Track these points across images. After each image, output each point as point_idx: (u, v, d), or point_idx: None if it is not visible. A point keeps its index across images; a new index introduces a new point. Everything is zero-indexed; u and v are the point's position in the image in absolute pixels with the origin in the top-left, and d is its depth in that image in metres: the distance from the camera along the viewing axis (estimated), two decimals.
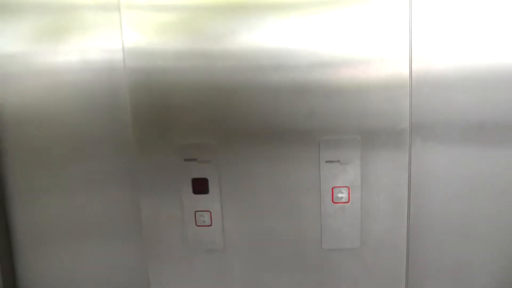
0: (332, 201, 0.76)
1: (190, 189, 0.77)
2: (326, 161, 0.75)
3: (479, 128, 0.79)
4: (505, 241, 0.83)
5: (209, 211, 0.78)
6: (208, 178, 0.77)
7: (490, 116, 0.78)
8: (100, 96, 0.79)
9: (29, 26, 0.77)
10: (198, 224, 0.79)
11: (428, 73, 0.77)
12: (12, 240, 0.88)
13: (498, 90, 0.77)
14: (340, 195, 0.75)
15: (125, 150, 0.80)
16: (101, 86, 0.79)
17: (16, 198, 0.86)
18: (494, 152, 0.80)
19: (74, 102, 0.80)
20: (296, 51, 0.71)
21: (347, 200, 0.76)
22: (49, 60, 0.78)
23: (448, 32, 0.75)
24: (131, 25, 0.72)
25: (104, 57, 0.78)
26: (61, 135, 0.82)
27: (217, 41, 0.72)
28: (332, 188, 0.75)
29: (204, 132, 0.75)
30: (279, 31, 0.71)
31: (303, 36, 0.71)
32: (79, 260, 0.87)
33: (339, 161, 0.74)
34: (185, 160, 0.75)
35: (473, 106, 0.78)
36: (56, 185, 0.84)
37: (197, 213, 0.78)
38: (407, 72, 0.72)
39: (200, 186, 0.77)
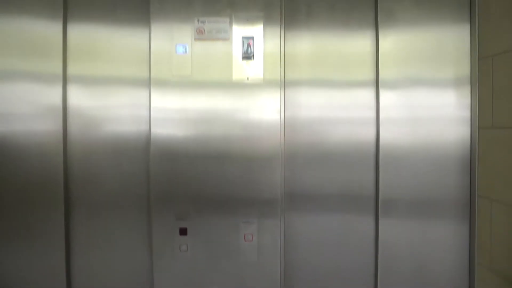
0: (244, 240, 1.62)
1: (177, 232, 1.63)
2: (243, 222, 1.62)
3: (327, 199, 1.67)
4: (348, 265, 1.69)
5: (186, 244, 1.63)
6: (187, 227, 1.63)
7: (335, 188, 1.65)
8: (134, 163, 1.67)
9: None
10: (181, 250, 1.64)
11: (295, 155, 1.65)
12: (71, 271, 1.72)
13: (351, 168, 1.65)
14: (248, 237, 1.62)
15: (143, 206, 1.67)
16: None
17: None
18: (336, 216, 1.67)
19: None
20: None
21: (251, 240, 1.62)
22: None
23: (306, 124, 1.65)
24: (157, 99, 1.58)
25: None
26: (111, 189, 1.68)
27: None
28: (244, 234, 1.62)
29: (184, 201, 1.62)
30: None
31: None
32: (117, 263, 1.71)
33: (248, 221, 1.61)
34: (176, 219, 1.62)
35: (322, 181, 1.65)
36: (103, 208, 1.69)
37: (180, 244, 1.63)
38: (279, 155, 1.59)
39: (183, 231, 1.62)
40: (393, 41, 1.62)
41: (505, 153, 1.43)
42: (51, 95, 1.62)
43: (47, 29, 1.61)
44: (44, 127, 1.62)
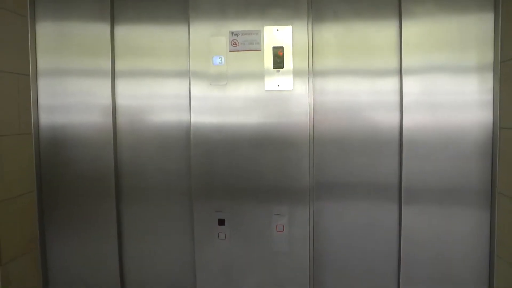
0: (276, 230, 1.79)
1: (216, 223, 1.82)
2: (274, 214, 1.78)
3: (353, 187, 1.79)
4: (373, 252, 1.83)
5: (224, 233, 1.82)
6: (225, 218, 1.81)
7: (360, 176, 1.78)
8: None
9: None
10: (219, 238, 1.83)
11: (321, 147, 1.78)
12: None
13: (375, 156, 1.76)
14: (279, 228, 1.78)
15: (186, 198, 1.86)
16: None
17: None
18: (365, 205, 1.80)
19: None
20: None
21: (282, 230, 1.78)
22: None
23: (330, 116, 1.77)
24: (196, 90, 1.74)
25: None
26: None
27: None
28: (276, 225, 1.78)
29: (222, 193, 1.79)
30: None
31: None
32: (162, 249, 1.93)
33: (279, 214, 1.78)
34: (216, 211, 1.81)
35: (348, 168, 1.78)
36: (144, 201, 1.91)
37: (219, 233, 1.83)
38: (307, 144, 1.72)
39: (221, 222, 1.81)
40: (416, 30, 1.68)
41: None
42: (102, 89, 1.82)
43: (97, 30, 1.81)
44: (96, 118, 1.83)
